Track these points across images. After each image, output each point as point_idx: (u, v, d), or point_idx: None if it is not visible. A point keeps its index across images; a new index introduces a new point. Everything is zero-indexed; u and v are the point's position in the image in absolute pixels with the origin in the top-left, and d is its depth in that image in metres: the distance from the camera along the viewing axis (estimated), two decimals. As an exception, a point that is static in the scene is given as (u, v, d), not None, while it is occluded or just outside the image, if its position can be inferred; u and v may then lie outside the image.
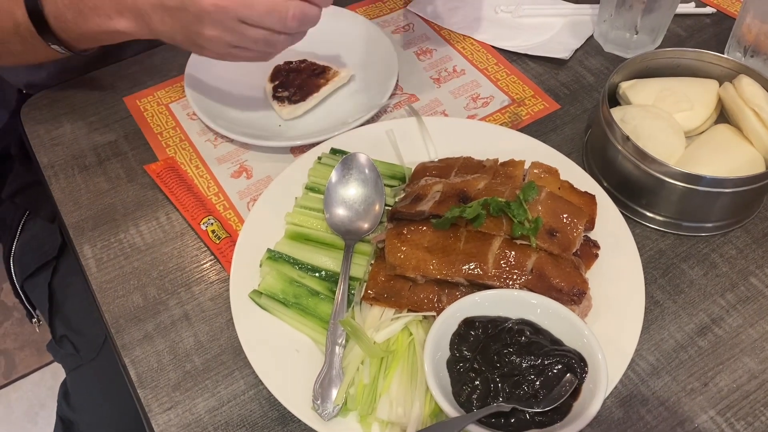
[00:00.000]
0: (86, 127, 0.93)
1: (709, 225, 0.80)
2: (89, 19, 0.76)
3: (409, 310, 0.69)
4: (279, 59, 0.96)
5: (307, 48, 0.97)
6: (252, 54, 0.77)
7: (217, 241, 0.79)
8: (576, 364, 0.62)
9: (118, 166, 0.88)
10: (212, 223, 0.81)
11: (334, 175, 0.79)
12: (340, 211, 0.77)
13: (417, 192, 0.76)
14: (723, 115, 0.86)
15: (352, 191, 0.78)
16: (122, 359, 0.71)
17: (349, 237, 0.76)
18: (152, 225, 0.82)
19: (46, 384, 1.88)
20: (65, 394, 1.00)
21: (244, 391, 0.69)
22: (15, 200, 1.05)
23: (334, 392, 0.64)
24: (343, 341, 0.67)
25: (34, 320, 1.08)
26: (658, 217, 0.80)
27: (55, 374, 1.89)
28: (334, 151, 0.84)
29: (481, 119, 0.93)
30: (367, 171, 0.79)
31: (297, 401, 0.64)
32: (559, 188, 0.77)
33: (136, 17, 0.75)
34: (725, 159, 0.79)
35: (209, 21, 0.71)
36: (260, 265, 0.74)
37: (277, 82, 0.93)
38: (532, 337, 0.64)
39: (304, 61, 0.95)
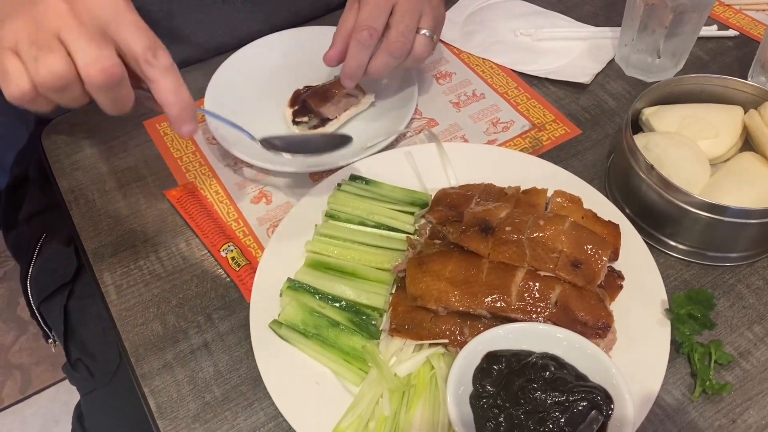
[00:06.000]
0: (106, 152, 0.93)
1: (735, 255, 0.78)
2: None
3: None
4: (299, 83, 0.96)
5: (326, 73, 0.97)
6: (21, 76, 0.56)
7: (237, 269, 0.79)
8: (602, 401, 0.61)
9: (138, 191, 0.88)
10: (232, 250, 0.81)
11: None
12: None
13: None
14: (748, 143, 0.85)
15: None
16: (142, 389, 0.71)
17: None
18: (172, 251, 0.82)
19: (61, 400, 1.88)
20: (79, 416, 1.00)
21: (264, 423, 0.68)
22: (32, 223, 1.05)
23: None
24: None
25: (50, 341, 1.08)
26: (682, 247, 0.79)
27: (70, 390, 1.89)
28: (354, 178, 0.84)
29: (501, 144, 0.92)
30: None
31: (317, 435, 0.64)
32: (582, 218, 0.76)
33: None
34: (751, 188, 0.77)
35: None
36: (280, 295, 0.73)
37: (296, 107, 0.93)
38: (556, 373, 0.63)
39: (323, 85, 0.95)
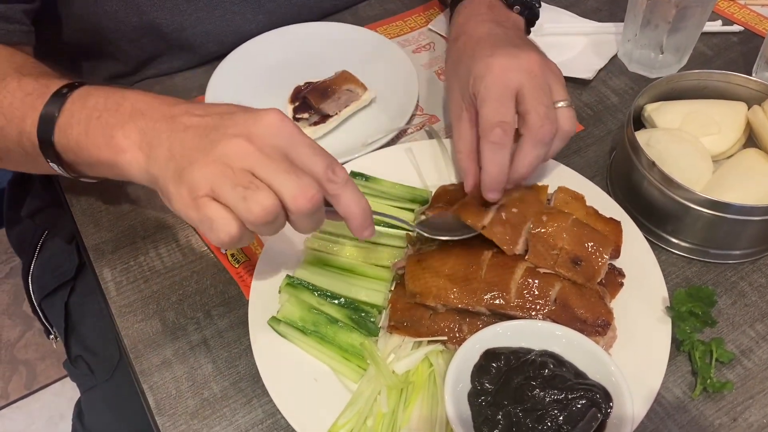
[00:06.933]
0: (107, 148, 0.93)
1: (738, 252, 0.78)
2: (92, 131, 0.63)
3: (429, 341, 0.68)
4: (299, 80, 0.96)
5: (327, 69, 0.97)
6: (224, 224, 0.55)
7: (236, 265, 0.79)
8: (601, 399, 0.60)
9: (139, 187, 0.88)
10: (231, 247, 0.81)
11: None
12: None
13: None
14: (752, 139, 0.84)
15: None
16: (141, 385, 0.71)
17: None
18: (172, 247, 0.82)
19: (66, 395, 1.89)
20: (79, 413, 1.00)
21: (262, 419, 0.68)
22: (34, 219, 1.06)
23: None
24: None
25: (52, 337, 1.09)
26: (684, 244, 0.78)
27: (75, 386, 1.90)
28: (354, 174, 0.84)
29: (502, 141, 0.92)
30: None
31: (315, 432, 0.63)
32: (584, 215, 0.75)
33: (141, 130, 0.60)
34: (754, 185, 0.77)
35: (240, 137, 0.56)
36: (279, 292, 0.73)
37: (297, 104, 0.92)
38: (555, 370, 0.62)
39: (324, 82, 0.95)
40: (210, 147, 0.56)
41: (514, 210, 0.72)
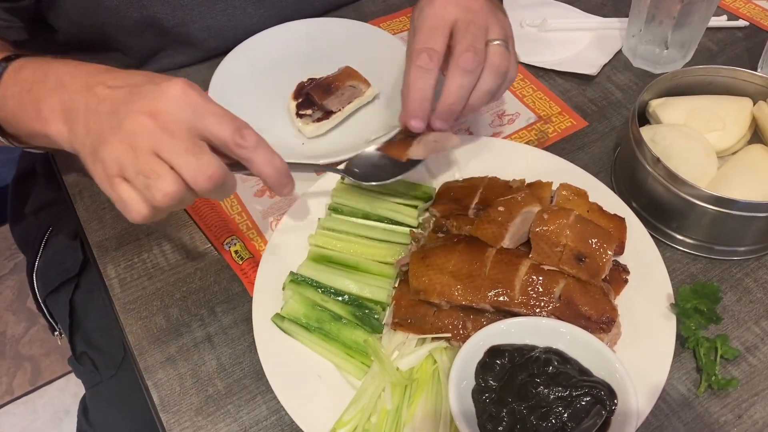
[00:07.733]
0: (111, 145, 0.93)
1: (743, 249, 0.78)
2: (24, 104, 0.65)
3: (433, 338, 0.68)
4: (302, 76, 0.96)
5: (330, 66, 0.96)
6: (132, 196, 0.57)
7: (240, 262, 0.79)
8: (605, 396, 0.60)
9: (142, 184, 0.88)
10: (235, 243, 0.81)
11: None
12: None
13: None
14: (757, 135, 0.84)
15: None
16: (145, 382, 0.71)
17: None
18: (175, 244, 0.82)
19: (71, 390, 1.90)
20: (84, 410, 1.00)
21: (266, 416, 0.68)
22: (38, 216, 1.06)
23: None
24: None
25: (56, 333, 1.09)
26: (689, 240, 0.78)
27: (79, 381, 1.90)
28: (358, 171, 0.83)
29: (506, 137, 0.92)
30: None
31: (319, 429, 0.63)
32: (587, 211, 0.75)
33: (63, 103, 0.62)
34: (759, 181, 0.77)
35: (145, 114, 0.57)
36: (283, 288, 0.73)
37: (300, 100, 0.92)
38: (559, 367, 0.62)
39: (327, 78, 0.94)
40: (118, 125, 0.57)
41: (501, 209, 0.73)
